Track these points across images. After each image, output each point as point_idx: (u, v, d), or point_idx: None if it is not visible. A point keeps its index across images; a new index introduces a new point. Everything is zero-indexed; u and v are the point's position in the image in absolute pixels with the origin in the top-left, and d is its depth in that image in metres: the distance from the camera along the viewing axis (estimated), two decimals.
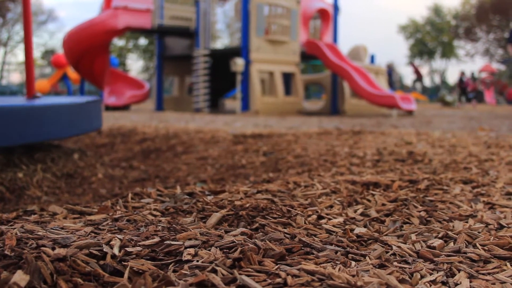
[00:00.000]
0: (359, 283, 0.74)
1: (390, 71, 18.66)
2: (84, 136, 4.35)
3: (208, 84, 10.88)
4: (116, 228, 1.08)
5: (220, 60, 11.42)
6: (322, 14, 12.28)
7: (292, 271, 0.79)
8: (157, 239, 0.95)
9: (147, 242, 0.93)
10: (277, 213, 1.24)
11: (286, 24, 10.65)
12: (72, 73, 17.05)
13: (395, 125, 6.13)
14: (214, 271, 0.79)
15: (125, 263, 0.83)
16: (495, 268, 0.90)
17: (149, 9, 10.91)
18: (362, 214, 1.32)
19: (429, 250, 0.98)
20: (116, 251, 0.87)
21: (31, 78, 3.09)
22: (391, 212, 1.32)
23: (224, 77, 11.71)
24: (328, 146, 3.18)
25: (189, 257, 0.86)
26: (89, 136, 4.45)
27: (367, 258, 0.94)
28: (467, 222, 1.22)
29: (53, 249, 0.84)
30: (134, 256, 0.87)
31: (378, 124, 6.41)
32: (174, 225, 1.08)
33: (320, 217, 1.26)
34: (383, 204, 1.40)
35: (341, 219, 1.24)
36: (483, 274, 0.87)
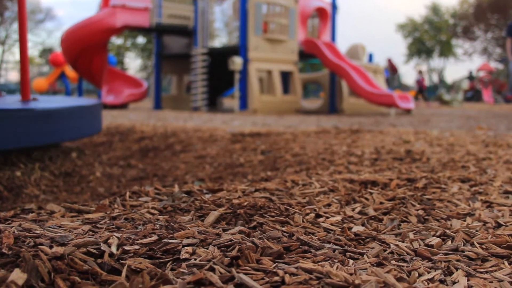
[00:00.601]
0: (357, 282, 0.74)
1: (387, 70, 18.72)
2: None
3: (206, 83, 10.87)
4: (114, 226, 1.08)
5: (218, 59, 11.40)
6: (320, 12, 12.28)
7: (290, 269, 0.79)
8: (155, 237, 0.95)
9: (145, 241, 0.93)
10: (275, 211, 1.24)
11: (284, 22, 10.64)
12: (70, 72, 17.02)
13: (393, 124, 6.14)
14: (212, 269, 0.79)
15: (123, 262, 0.83)
16: (492, 266, 0.91)
17: (147, 7, 10.90)
18: (360, 212, 1.32)
19: (427, 249, 0.98)
20: (114, 249, 0.87)
21: (25, 80, 2.92)
22: (389, 210, 1.32)
23: (222, 76, 11.70)
24: (326, 144, 3.19)
25: (187, 256, 0.86)
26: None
27: (365, 256, 0.94)
28: (464, 221, 1.22)
29: (51, 247, 0.84)
30: (132, 254, 0.87)
31: (376, 123, 6.41)
32: (172, 224, 1.08)
33: (318, 216, 1.26)
34: (381, 203, 1.40)
35: (339, 218, 1.24)
36: (480, 272, 0.87)
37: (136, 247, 0.90)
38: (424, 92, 18.74)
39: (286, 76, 11.25)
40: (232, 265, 0.82)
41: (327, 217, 1.25)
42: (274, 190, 1.54)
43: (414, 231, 1.12)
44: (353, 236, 1.08)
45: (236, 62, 9.75)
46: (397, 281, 0.78)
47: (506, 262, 0.92)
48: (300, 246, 0.96)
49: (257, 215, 1.20)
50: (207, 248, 0.91)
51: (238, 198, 1.39)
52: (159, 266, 0.83)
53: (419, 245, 1.02)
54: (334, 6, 12.24)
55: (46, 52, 40.89)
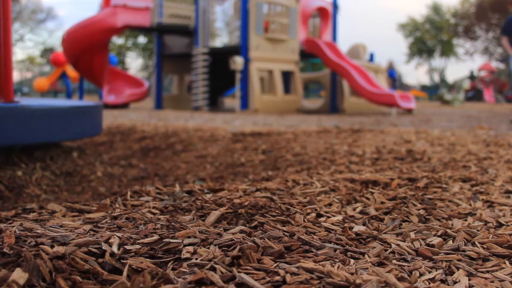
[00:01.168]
0: (358, 281, 0.74)
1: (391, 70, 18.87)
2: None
3: (207, 83, 10.87)
4: (115, 226, 1.08)
5: (219, 59, 11.40)
6: (321, 12, 12.27)
7: (291, 269, 0.79)
8: (156, 237, 0.95)
9: (146, 240, 0.93)
10: (276, 211, 1.24)
11: (285, 22, 10.64)
12: (71, 72, 17.01)
13: (394, 124, 6.14)
14: (213, 269, 0.79)
15: (124, 261, 0.83)
16: (494, 266, 0.90)
17: (148, 7, 10.90)
18: (361, 212, 1.32)
19: (428, 248, 0.98)
20: (115, 249, 0.87)
21: (8, 79, 2.66)
22: (390, 210, 1.32)
23: (223, 76, 11.70)
24: (327, 144, 3.19)
25: (188, 255, 0.86)
26: None
27: (366, 256, 0.94)
28: (466, 220, 1.22)
29: (52, 247, 0.84)
30: (133, 254, 0.87)
31: (377, 123, 6.41)
32: (173, 223, 1.08)
33: (319, 215, 1.26)
34: (382, 202, 1.40)
35: (340, 217, 1.24)
36: (482, 272, 0.87)
37: (137, 246, 0.90)
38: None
39: (287, 76, 11.25)
40: (233, 264, 0.82)
41: (328, 217, 1.25)
42: (275, 189, 1.54)
43: (415, 231, 1.12)
44: (354, 235, 1.08)
45: (237, 61, 9.74)
46: (398, 280, 0.78)
47: (507, 262, 0.92)
48: (301, 246, 0.96)
49: (258, 214, 1.20)
50: (208, 248, 0.91)
51: (239, 197, 1.39)
52: (160, 266, 0.83)
53: (420, 244, 1.02)
54: (335, 6, 12.24)
55: (47, 51, 40.92)
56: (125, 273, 0.78)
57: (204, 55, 10.78)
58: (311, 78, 13.07)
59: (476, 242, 1.02)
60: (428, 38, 43.00)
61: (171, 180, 2.66)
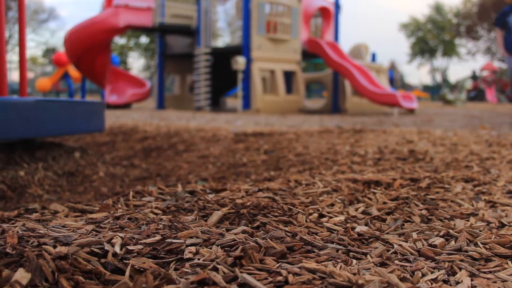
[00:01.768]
0: (360, 281, 0.74)
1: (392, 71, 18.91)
2: (85, 134, 4.35)
3: (209, 83, 10.88)
4: (117, 226, 1.08)
5: (221, 59, 11.41)
6: (323, 12, 12.27)
7: (293, 269, 0.79)
8: (158, 237, 0.95)
9: (148, 240, 0.93)
10: (278, 211, 1.24)
11: (287, 22, 10.64)
12: (73, 72, 17.03)
13: (397, 124, 6.13)
14: (215, 269, 0.79)
15: (127, 261, 0.83)
16: (496, 266, 0.90)
17: (150, 7, 10.91)
18: (363, 212, 1.32)
19: (430, 249, 0.98)
20: (117, 249, 0.87)
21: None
22: (392, 210, 1.32)
23: (225, 76, 11.71)
24: (329, 144, 3.18)
25: (190, 255, 0.86)
26: (90, 134, 4.45)
27: (368, 256, 0.94)
28: (468, 221, 1.22)
29: (55, 247, 0.85)
30: (136, 254, 0.87)
31: (379, 123, 6.41)
32: (175, 223, 1.08)
33: (321, 216, 1.26)
34: (384, 203, 1.40)
35: (342, 218, 1.24)
36: (484, 272, 0.87)
37: (140, 247, 0.90)
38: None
39: (289, 76, 11.25)
40: (235, 265, 0.82)
41: (330, 217, 1.25)
42: (277, 190, 1.54)
43: (417, 231, 1.12)
44: (356, 236, 1.08)
45: (239, 61, 9.75)
46: (400, 281, 0.78)
47: (510, 262, 0.92)
48: (304, 246, 0.96)
49: (260, 215, 1.20)
50: (211, 248, 0.91)
51: (241, 198, 1.39)
52: (163, 266, 0.83)
53: (423, 245, 1.02)
54: (337, 6, 12.23)
55: (49, 52, 41.00)
56: (127, 273, 0.78)
57: (206, 55, 10.79)
58: (313, 78, 13.07)
59: (479, 243, 1.02)
60: (430, 38, 42.95)
61: (173, 180, 2.66)
